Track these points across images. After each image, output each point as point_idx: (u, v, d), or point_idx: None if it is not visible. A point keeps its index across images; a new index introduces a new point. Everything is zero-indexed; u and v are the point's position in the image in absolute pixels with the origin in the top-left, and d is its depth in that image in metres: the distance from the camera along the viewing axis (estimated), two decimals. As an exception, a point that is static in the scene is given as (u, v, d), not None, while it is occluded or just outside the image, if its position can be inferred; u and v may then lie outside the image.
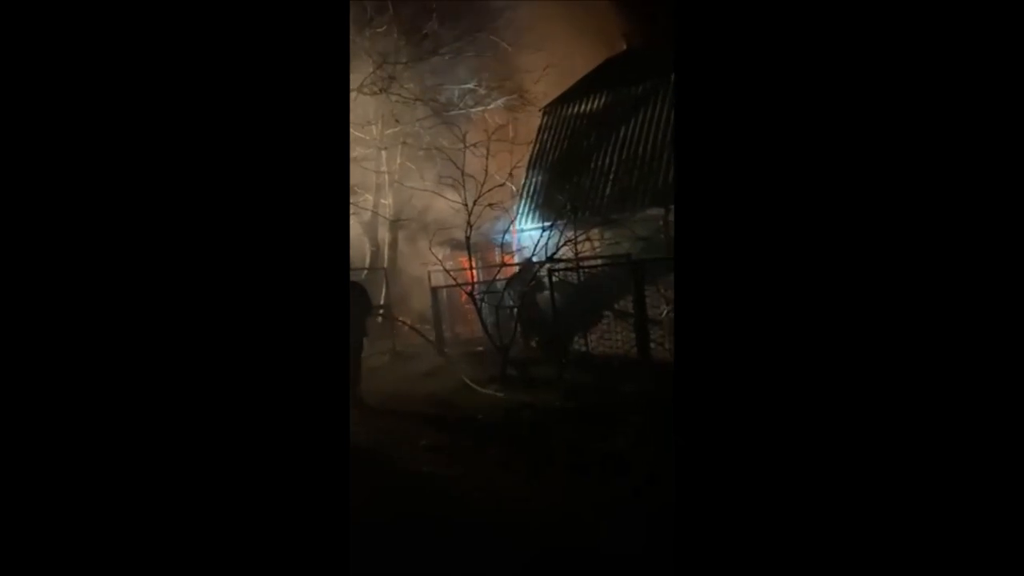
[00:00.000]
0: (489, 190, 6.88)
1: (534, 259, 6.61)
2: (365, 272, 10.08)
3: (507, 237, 8.98)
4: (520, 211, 9.93)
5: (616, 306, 6.28)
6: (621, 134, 8.92)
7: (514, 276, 7.23)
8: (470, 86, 10.55)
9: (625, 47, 11.13)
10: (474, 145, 7.70)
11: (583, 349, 6.49)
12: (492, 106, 10.56)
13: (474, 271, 8.67)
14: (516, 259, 9.01)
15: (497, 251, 9.72)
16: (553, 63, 10.58)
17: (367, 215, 10.52)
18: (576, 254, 6.68)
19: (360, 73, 10.10)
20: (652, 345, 5.78)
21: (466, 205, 6.80)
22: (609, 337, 6.33)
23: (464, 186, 6.81)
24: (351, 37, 9.85)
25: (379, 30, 9.81)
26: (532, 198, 9.99)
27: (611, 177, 8.82)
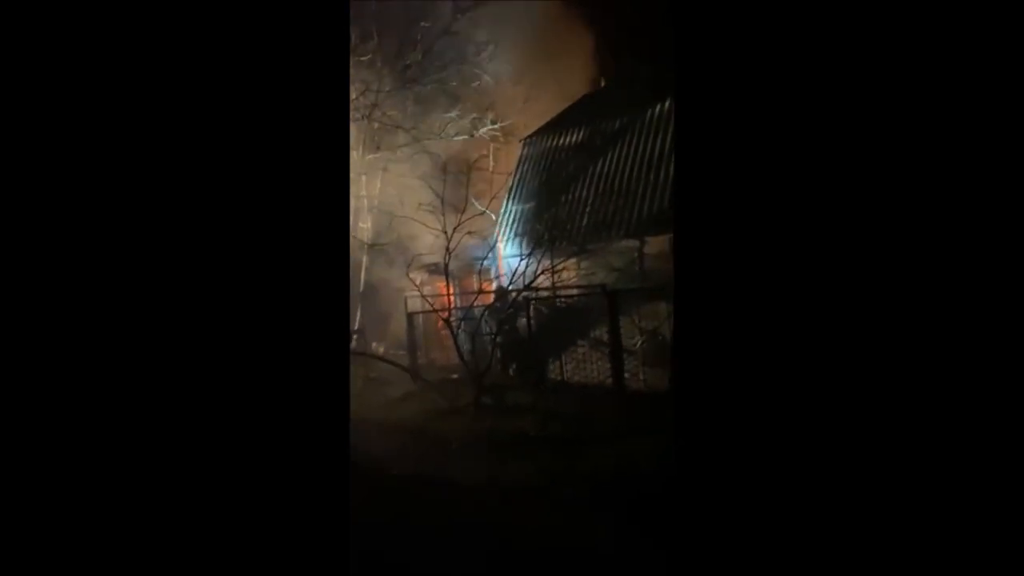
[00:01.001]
0: (468, 218, 6.97)
1: (512, 287, 6.67)
2: (341, 296, 9.98)
3: (485, 264, 9.07)
4: (498, 239, 10.06)
5: (592, 335, 6.36)
6: (598, 167, 9.18)
7: (490, 304, 7.27)
8: (452, 115, 10.76)
9: (603, 83, 11.56)
10: (454, 174, 7.82)
11: (559, 377, 6.52)
12: (473, 136, 10.77)
13: (452, 297, 8.68)
14: (494, 286, 9.07)
15: (475, 278, 9.78)
16: (533, 96, 10.90)
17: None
18: (553, 283, 6.78)
19: (343, 99, 10.21)
20: (627, 375, 5.86)
21: (445, 232, 6.86)
22: (585, 366, 6.39)
23: (443, 213, 6.90)
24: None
25: (363, 58, 9.98)
26: (511, 227, 10.13)
27: (587, 208, 9.04)
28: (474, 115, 10.83)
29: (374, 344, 9.60)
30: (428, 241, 9.96)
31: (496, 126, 10.81)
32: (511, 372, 7.00)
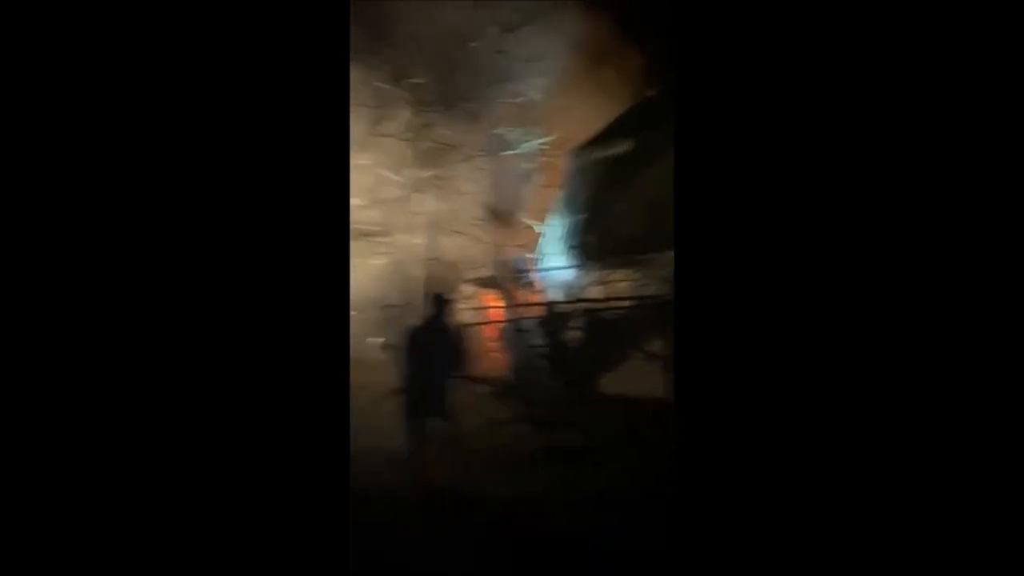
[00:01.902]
0: (518, 231, 7.08)
1: (562, 299, 6.69)
2: (397, 309, 10.31)
3: (535, 276, 9.13)
4: (548, 251, 10.12)
5: (645, 348, 6.26)
6: (644, 178, 9.08)
7: (541, 316, 7.31)
8: (499, 131, 11.01)
9: (651, 94, 11.46)
10: (504, 188, 7.97)
11: (610, 391, 6.45)
12: (521, 150, 10.95)
13: (501, 310, 8.79)
14: (543, 298, 9.12)
15: (524, 291, 9.87)
16: (581, 109, 10.96)
17: (399, 253, 10.87)
18: (604, 295, 6.74)
19: (398, 121, 10.67)
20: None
21: (494, 245, 6.99)
22: (637, 379, 6.29)
23: (493, 227, 7.03)
24: (390, 86, 10.50)
25: (416, 81, 10.41)
26: (560, 239, 10.17)
27: (636, 220, 8.94)
28: (522, 130, 11.02)
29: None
30: (478, 255, 10.18)
31: (544, 140, 10.94)
32: (560, 384, 6.99)
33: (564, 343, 6.78)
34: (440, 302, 4.63)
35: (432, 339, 4.27)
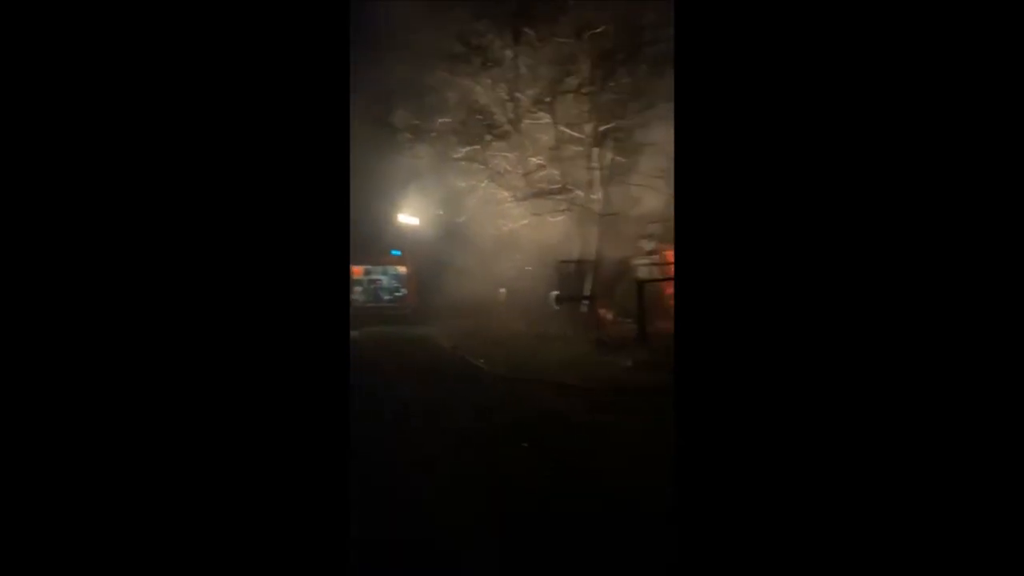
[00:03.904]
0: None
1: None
2: (573, 264, 10.55)
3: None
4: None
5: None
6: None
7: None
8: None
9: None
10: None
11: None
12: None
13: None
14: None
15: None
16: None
17: (577, 210, 10.98)
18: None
19: (578, 75, 10.56)
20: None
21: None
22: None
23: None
24: (570, 41, 10.40)
25: (598, 31, 10.09)
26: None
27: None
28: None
29: (602, 311, 9.92)
30: (660, 208, 9.73)
31: (739, 78, 9.77)
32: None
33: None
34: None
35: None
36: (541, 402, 5.35)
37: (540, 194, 11.26)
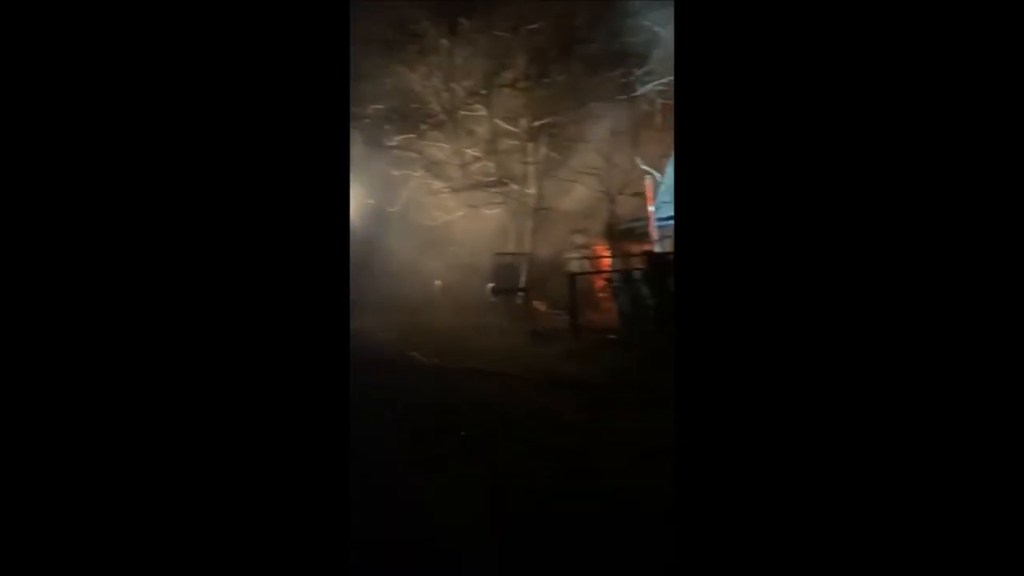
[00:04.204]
0: (632, 180, 6.90)
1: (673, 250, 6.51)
2: (508, 257, 10.71)
3: (646, 226, 8.88)
4: (662, 201, 9.71)
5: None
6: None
7: (652, 267, 7.18)
8: (616, 74, 10.51)
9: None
10: (620, 134, 7.72)
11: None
12: (640, 93, 10.40)
13: (612, 260, 8.75)
14: (657, 249, 8.88)
15: (637, 241, 9.64)
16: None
17: (512, 203, 11.13)
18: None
19: (514, 70, 10.67)
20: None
21: (608, 194, 6.91)
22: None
23: (608, 175, 6.93)
24: (506, 35, 10.46)
25: (532, 27, 10.23)
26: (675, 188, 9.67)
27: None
28: (641, 71, 10.43)
29: (536, 303, 10.17)
30: (591, 204, 10.07)
31: (665, 80, 10.26)
32: (666, 334, 6.90)
33: (671, 294, 6.63)
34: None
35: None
36: (474, 392, 5.48)
37: (476, 186, 11.31)
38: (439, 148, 11.55)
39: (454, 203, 11.42)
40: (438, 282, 13.20)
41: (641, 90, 10.34)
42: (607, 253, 8.67)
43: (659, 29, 10.24)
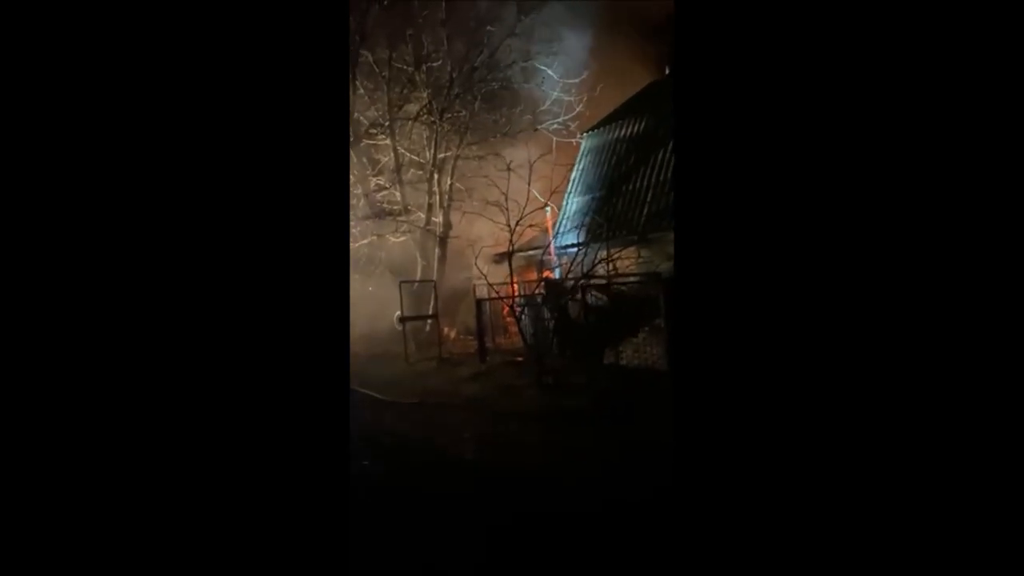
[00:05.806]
0: (531, 212, 7.45)
1: (571, 276, 7.08)
2: (416, 284, 10.82)
3: (547, 255, 9.50)
4: (559, 231, 10.46)
5: (657, 322, 6.64)
6: (658, 157, 9.31)
7: (551, 291, 7.72)
8: (515, 111, 11.27)
9: (667, 72, 11.55)
10: (517, 170, 8.31)
11: (617, 361, 6.87)
12: (537, 129, 11.22)
13: (515, 286, 9.22)
14: (555, 275, 9.51)
15: (537, 268, 10.25)
16: (598, 91, 11.14)
17: (419, 232, 11.32)
18: (609, 271, 7.11)
19: (418, 103, 11.02)
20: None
21: (508, 225, 7.38)
22: (643, 351, 6.68)
23: (507, 207, 7.42)
24: (411, 71, 10.81)
25: (435, 64, 10.70)
26: (571, 218, 10.49)
27: (647, 198, 9.21)
28: (538, 111, 11.27)
29: (446, 329, 10.34)
30: (494, 233, 10.54)
31: (559, 120, 11.18)
32: (567, 355, 7.43)
33: (571, 316, 7.18)
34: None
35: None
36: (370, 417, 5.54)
37: (382, 214, 11.36)
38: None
39: (359, 231, 11.38)
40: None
41: (540, 128, 11.17)
42: (511, 280, 9.14)
43: (552, 74, 11.17)
